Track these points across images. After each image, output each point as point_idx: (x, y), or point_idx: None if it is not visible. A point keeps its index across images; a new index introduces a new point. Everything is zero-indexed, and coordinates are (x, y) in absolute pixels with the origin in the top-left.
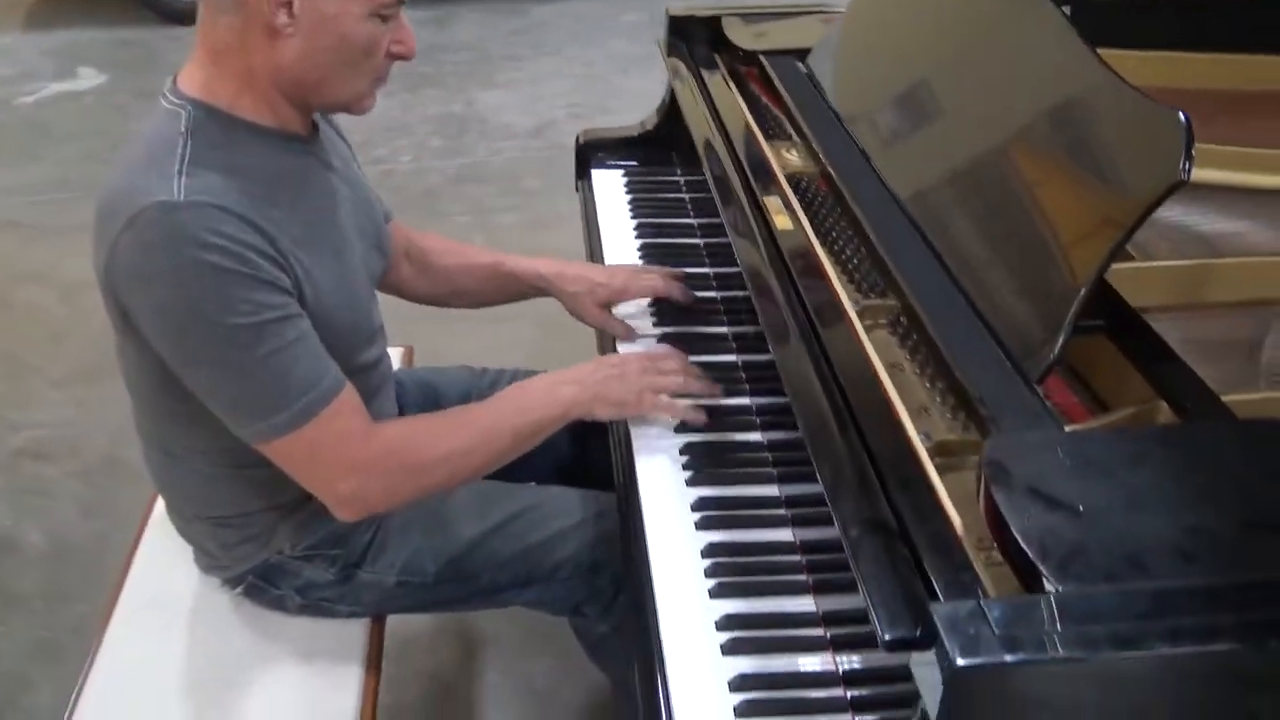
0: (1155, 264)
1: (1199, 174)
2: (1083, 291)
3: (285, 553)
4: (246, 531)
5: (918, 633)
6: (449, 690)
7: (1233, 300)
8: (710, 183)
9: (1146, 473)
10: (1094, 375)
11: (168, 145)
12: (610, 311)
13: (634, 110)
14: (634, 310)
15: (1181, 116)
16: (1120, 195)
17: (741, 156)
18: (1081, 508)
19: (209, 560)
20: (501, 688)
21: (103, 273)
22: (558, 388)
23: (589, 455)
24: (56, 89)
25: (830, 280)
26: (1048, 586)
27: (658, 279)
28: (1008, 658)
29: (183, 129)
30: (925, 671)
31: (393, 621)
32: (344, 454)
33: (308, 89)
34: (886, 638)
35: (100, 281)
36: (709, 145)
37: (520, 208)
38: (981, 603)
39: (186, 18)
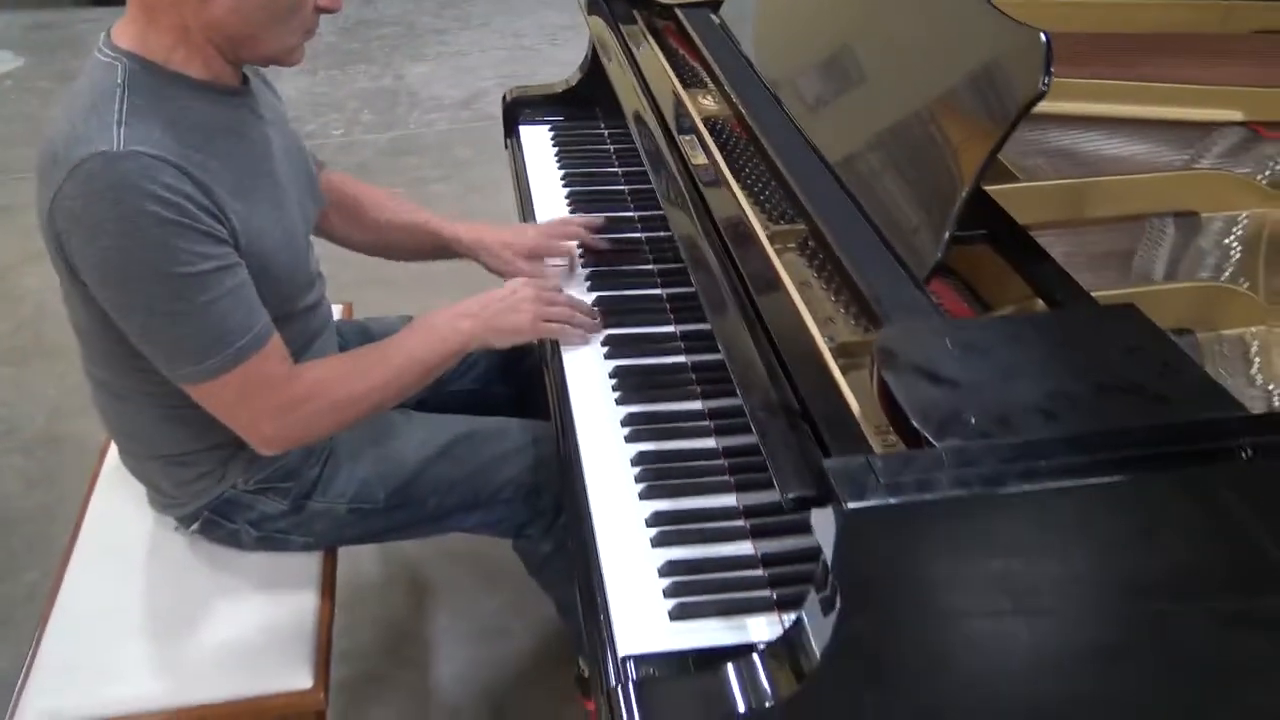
0: (1039, 184)
1: (1071, 105)
2: (961, 196)
3: (238, 487)
4: (199, 469)
5: (814, 491)
6: (403, 634)
7: (1109, 215)
8: (632, 129)
9: (1019, 350)
10: (978, 281)
11: (106, 96)
12: (527, 261)
13: (564, 78)
14: (563, 264)
15: (1042, 36)
16: (990, 109)
17: (660, 104)
18: (960, 382)
19: (164, 499)
20: (453, 630)
21: (45, 220)
22: (457, 321)
23: (525, 393)
24: None
25: (744, 209)
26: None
27: (566, 231)
28: (891, 500)
29: (119, 81)
30: (824, 524)
31: (344, 568)
32: (269, 397)
33: (240, 43)
34: (789, 496)
35: (43, 228)
36: (632, 95)
37: (452, 177)
38: (868, 458)
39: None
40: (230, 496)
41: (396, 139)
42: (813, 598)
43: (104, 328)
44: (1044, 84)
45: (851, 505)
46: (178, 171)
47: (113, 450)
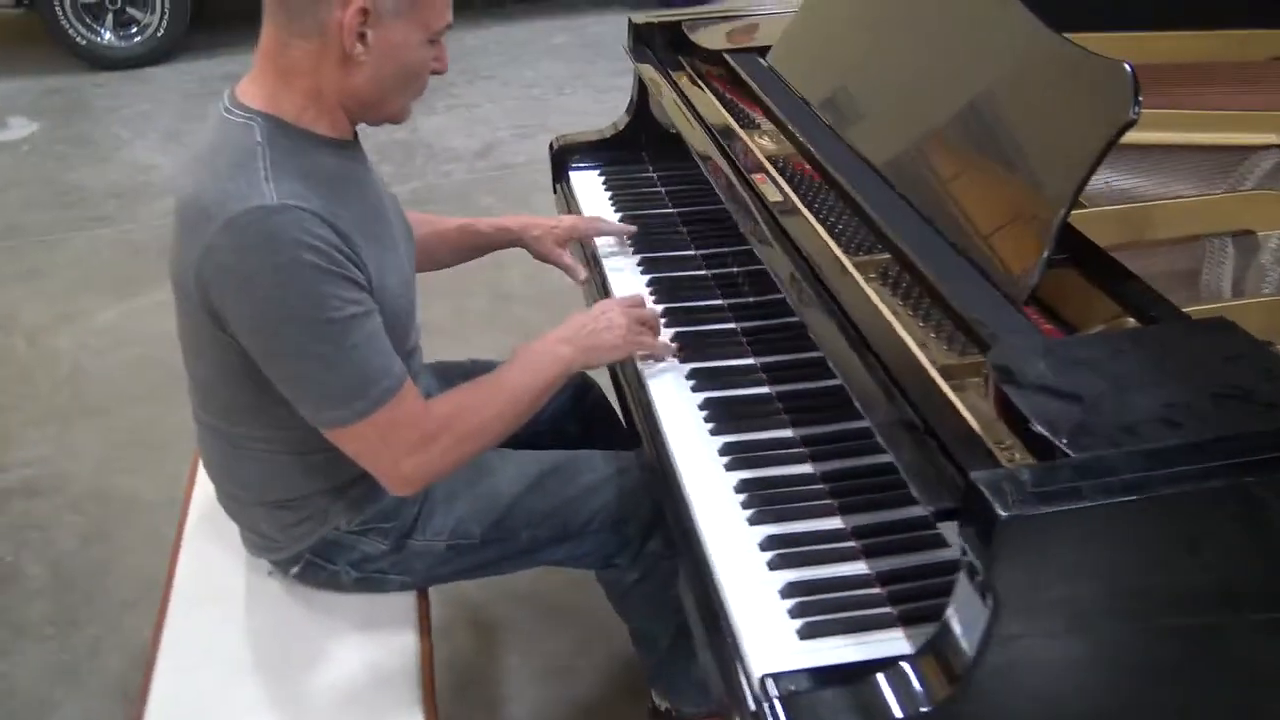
0: (1099, 209)
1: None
2: (1056, 221)
3: (341, 529)
4: (304, 512)
5: (961, 504)
6: (470, 675)
7: (1168, 237)
8: (703, 169)
9: (1126, 364)
10: (1063, 304)
11: (248, 154)
12: (566, 250)
13: (576, 126)
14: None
15: (1127, 66)
16: (1080, 137)
17: (725, 145)
18: (1081, 395)
19: (264, 543)
20: (521, 670)
21: (193, 273)
22: (555, 348)
23: (592, 426)
24: None
25: (827, 242)
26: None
27: (602, 220)
28: (1043, 509)
29: (259, 139)
30: (974, 534)
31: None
32: (409, 435)
33: (369, 106)
34: (936, 509)
35: (186, 281)
36: (699, 137)
37: None
38: (1014, 469)
39: (114, 64)
40: (333, 538)
41: (417, 189)
42: (958, 603)
43: (230, 378)
44: (1134, 112)
45: (1007, 514)
46: (323, 222)
47: (197, 499)
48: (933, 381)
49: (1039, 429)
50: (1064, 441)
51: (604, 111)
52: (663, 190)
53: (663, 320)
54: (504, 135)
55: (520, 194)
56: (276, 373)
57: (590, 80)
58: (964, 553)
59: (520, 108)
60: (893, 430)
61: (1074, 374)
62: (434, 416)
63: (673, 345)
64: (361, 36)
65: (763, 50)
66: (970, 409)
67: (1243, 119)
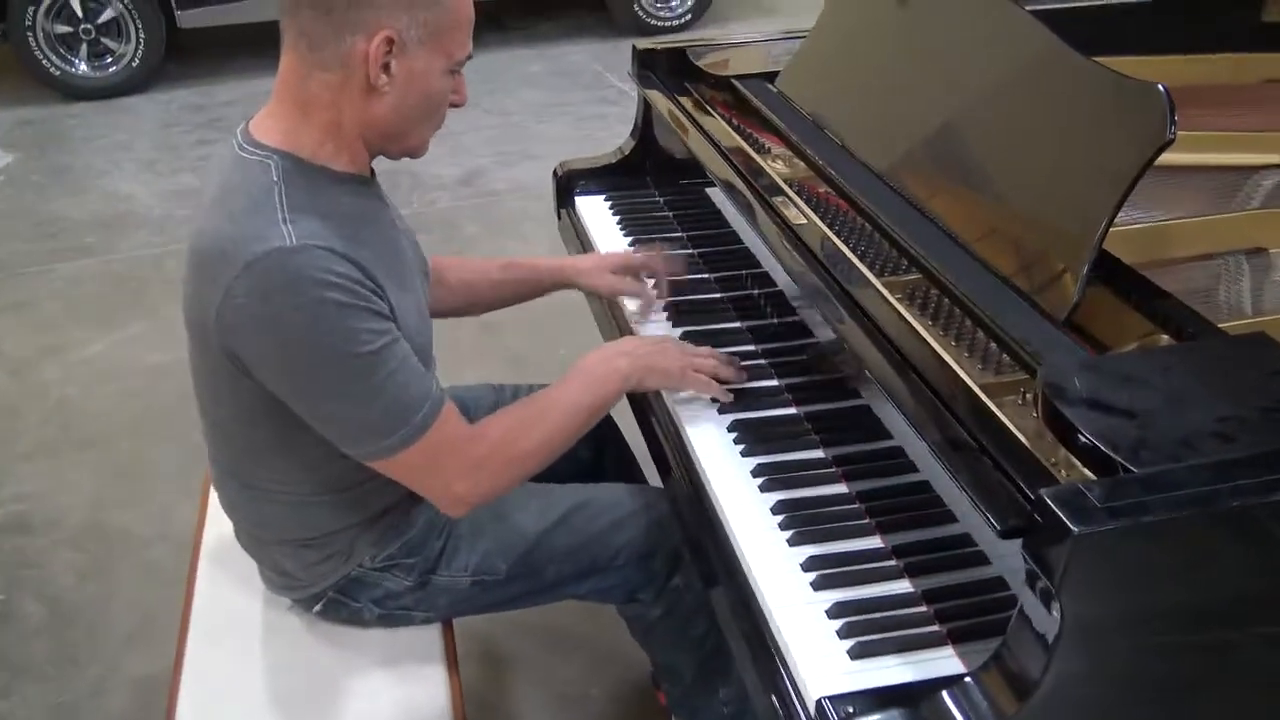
0: (1118, 228)
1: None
2: (1094, 240)
3: (365, 565)
4: (329, 549)
5: (1030, 520)
6: (483, 706)
7: (1182, 256)
8: (723, 192)
9: (1174, 380)
10: (1093, 322)
11: (265, 194)
12: (624, 278)
13: (556, 154)
14: (656, 327)
15: (1161, 88)
16: (1117, 157)
17: (743, 169)
18: (1134, 411)
19: (286, 581)
20: (533, 699)
21: (213, 316)
22: (613, 361)
23: (604, 452)
24: None
25: (856, 264)
26: (1125, 472)
27: (653, 255)
28: (1114, 524)
29: (275, 178)
30: (1042, 550)
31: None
32: (458, 457)
33: (390, 138)
34: (999, 528)
35: (204, 325)
36: (717, 162)
37: (464, 253)
38: (1081, 485)
39: (89, 94)
40: (356, 575)
41: (404, 218)
42: (1023, 618)
43: (251, 420)
44: (1171, 133)
45: (1079, 529)
46: (343, 259)
47: (209, 535)
48: (982, 401)
49: (1099, 445)
50: (1124, 457)
51: (584, 139)
52: (670, 214)
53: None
54: (486, 163)
55: (506, 222)
56: (312, 413)
57: (568, 108)
58: (1031, 569)
59: (501, 135)
60: (949, 450)
61: (1125, 390)
62: (484, 436)
63: (727, 393)
64: (385, 67)
65: (769, 76)
66: (1017, 427)
67: (1243, 140)
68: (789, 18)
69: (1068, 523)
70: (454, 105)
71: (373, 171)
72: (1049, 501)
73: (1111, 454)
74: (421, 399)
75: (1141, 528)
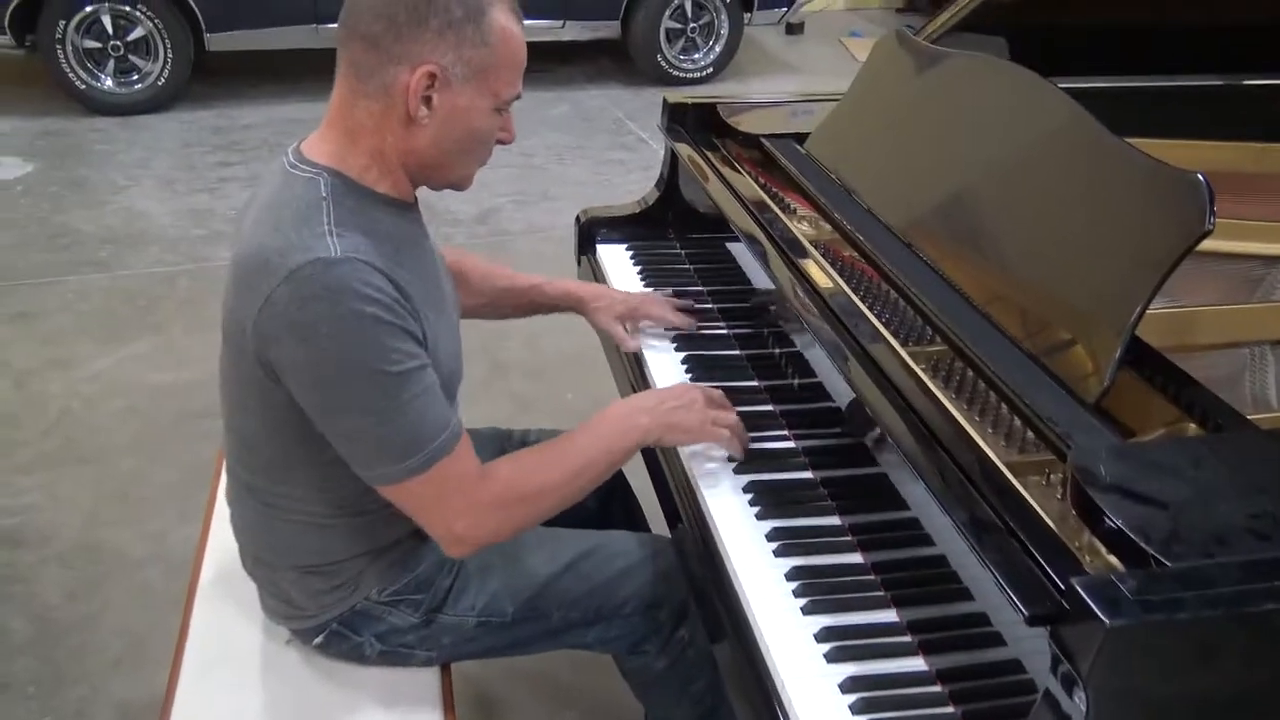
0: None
1: None
2: (1129, 324)
3: (371, 598)
4: (338, 579)
5: (1058, 609)
6: None
7: (1210, 343)
8: (748, 248)
9: (1207, 472)
10: (1117, 406)
11: (313, 207)
12: (621, 324)
13: (573, 197)
14: (674, 379)
15: (1200, 177)
16: (1153, 243)
17: (769, 227)
18: (1166, 502)
19: (290, 610)
20: None
21: (250, 325)
22: (634, 416)
23: (611, 501)
24: None
25: (882, 332)
26: (1157, 564)
27: (667, 307)
28: (1147, 618)
29: (324, 194)
30: (1073, 639)
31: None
32: (465, 494)
33: (430, 169)
34: (1027, 614)
35: (241, 333)
36: (744, 218)
37: None
38: (1113, 576)
39: (112, 110)
40: (362, 608)
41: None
42: (1045, 705)
43: (277, 433)
44: (1210, 223)
45: (1111, 622)
46: (383, 275)
47: (209, 562)
48: (1009, 480)
49: (1130, 534)
50: (1156, 549)
51: (601, 183)
52: (691, 268)
53: None
54: (503, 202)
55: (519, 262)
56: (332, 427)
57: (589, 152)
58: (1056, 657)
59: (520, 176)
60: (975, 528)
61: (1156, 479)
62: (495, 478)
63: (745, 444)
64: (427, 100)
65: (798, 137)
66: (1043, 509)
67: (1266, 229)
68: (810, 75)
69: (1100, 615)
70: (501, 142)
71: (415, 199)
72: (1081, 591)
73: (1144, 545)
74: (439, 428)
75: (1174, 623)
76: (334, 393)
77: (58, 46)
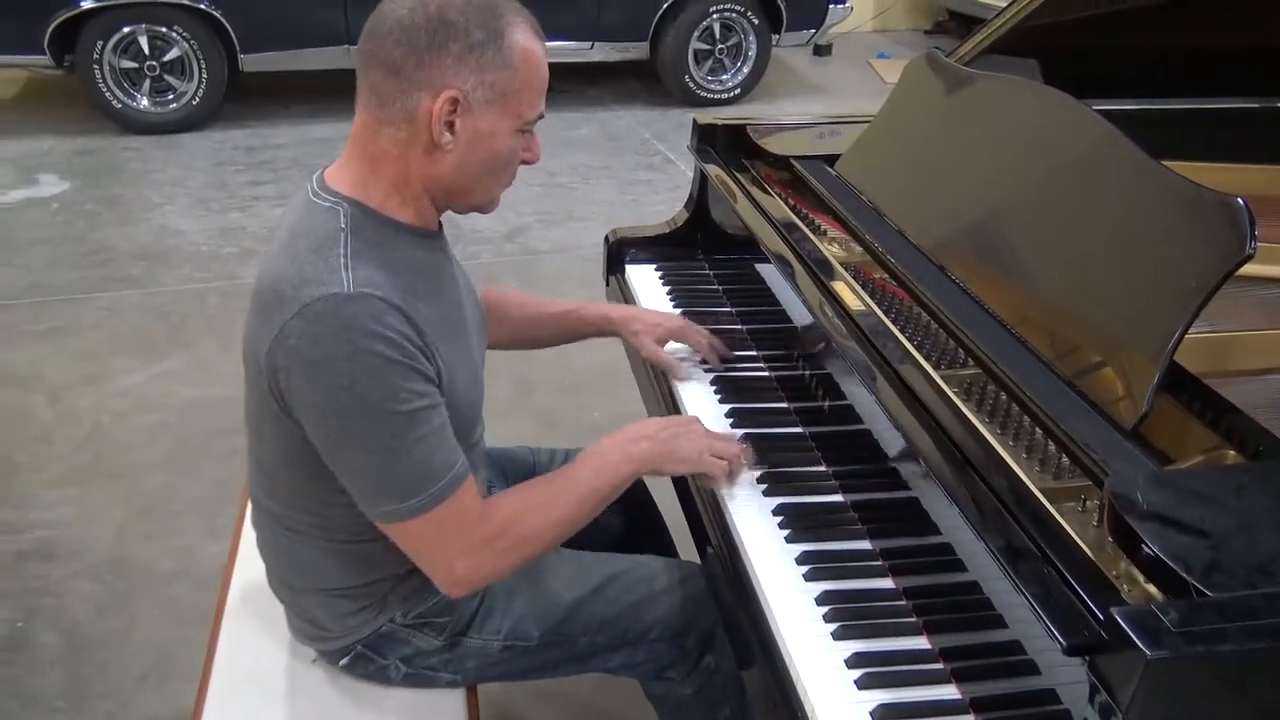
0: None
1: None
2: (1167, 350)
3: (396, 621)
4: (362, 601)
5: (1098, 640)
6: None
7: (1247, 369)
8: (778, 269)
9: (1248, 501)
10: (1154, 431)
11: (330, 239)
12: (662, 348)
13: (601, 218)
14: (703, 399)
15: (1241, 201)
16: (1193, 268)
17: (799, 248)
18: (1207, 531)
19: (315, 632)
20: None
21: (265, 355)
22: (632, 445)
23: (638, 522)
24: (18, 196)
25: (913, 355)
26: (1197, 594)
27: (703, 336)
28: (1189, 650)
29: (343, 225)
30: (1112, 670)
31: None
32: (465, 534)
33: (455, 194)
34: (1065, 644)
35: (256, 362)
36: (775, 240)
37: None
38: (1154, 607)
39: (148, 129)
40: (386, 631)
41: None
42: None
43: (294, 462)
44: (1251, 248)
45: (1153, 654)
46: (397, 312)
47: (237, 580)
48: (1045, 507)
49: (1170, 564)
50: (1197, 579)
51: (629, 203)
52: (720, 289)
53: (729, 421)
54: (530, 221)
55: (547, 281)
56: (337, 462)
57: (615, 172)
58: (1095, 687)
59: (546, 195)
60: (1010, 556)
61: (1196, 508)
62: (493, 517)
63: (738, 476)
64: (450, 125)
65: (829, 159)
66: (1079, 536)
67: None
68: (837, 97)
69: (1142, 646)
70: (526, 163)
71: (440, 225)
72: (1121, 621)
73: (1184, 574)
74: (443, 470)
75: (1215, 655)
76: (341, 429)
77: (95, 67)
